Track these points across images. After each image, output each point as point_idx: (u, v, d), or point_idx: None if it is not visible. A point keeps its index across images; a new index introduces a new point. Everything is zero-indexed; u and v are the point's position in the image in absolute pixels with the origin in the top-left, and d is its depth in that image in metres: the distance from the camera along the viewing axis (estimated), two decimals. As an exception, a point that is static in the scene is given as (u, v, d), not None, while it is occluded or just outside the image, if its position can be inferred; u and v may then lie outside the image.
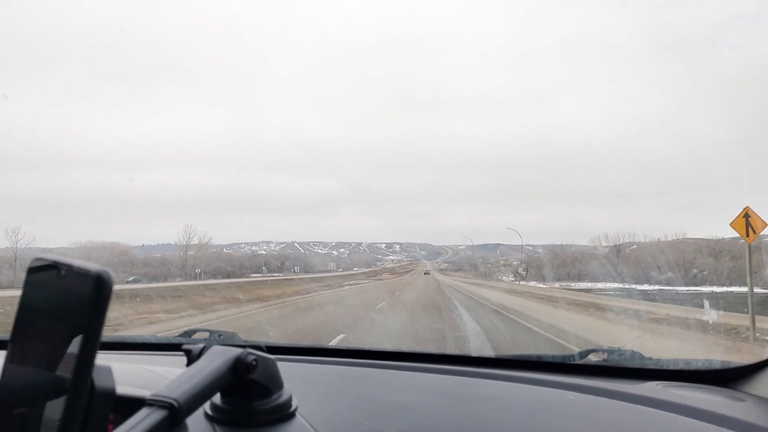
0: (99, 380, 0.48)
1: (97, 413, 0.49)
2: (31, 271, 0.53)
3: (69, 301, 0.48)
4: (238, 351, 0.73)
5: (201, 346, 0.76)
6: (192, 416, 0.70)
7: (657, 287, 35.65)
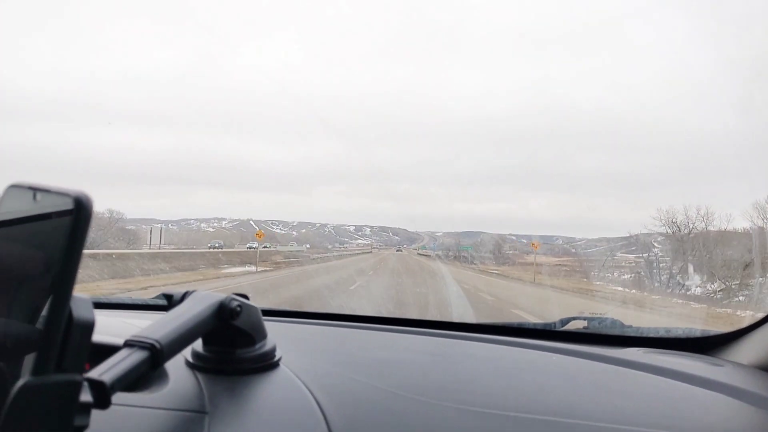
0: (77, 310, 0.45)
1: (75, 345, 0.45)
2: (6, 196, 0.48)
3: (46, 226, 0.45)
4: (222, 296, 0.72)
5: (183, 291, 0.75)
6: (173, 364, 0.72)
7: None
